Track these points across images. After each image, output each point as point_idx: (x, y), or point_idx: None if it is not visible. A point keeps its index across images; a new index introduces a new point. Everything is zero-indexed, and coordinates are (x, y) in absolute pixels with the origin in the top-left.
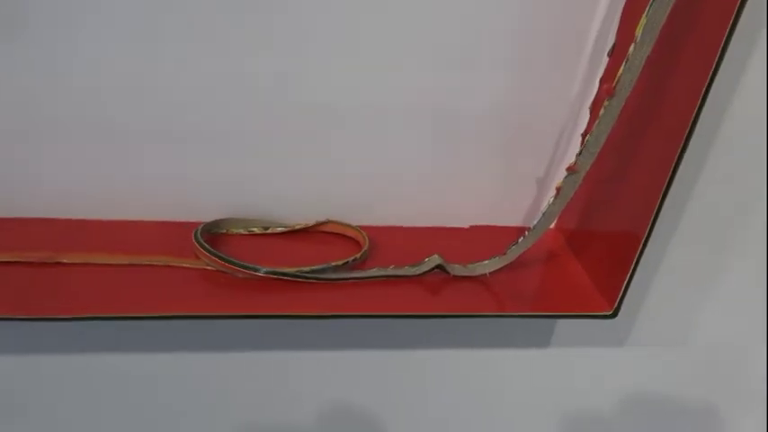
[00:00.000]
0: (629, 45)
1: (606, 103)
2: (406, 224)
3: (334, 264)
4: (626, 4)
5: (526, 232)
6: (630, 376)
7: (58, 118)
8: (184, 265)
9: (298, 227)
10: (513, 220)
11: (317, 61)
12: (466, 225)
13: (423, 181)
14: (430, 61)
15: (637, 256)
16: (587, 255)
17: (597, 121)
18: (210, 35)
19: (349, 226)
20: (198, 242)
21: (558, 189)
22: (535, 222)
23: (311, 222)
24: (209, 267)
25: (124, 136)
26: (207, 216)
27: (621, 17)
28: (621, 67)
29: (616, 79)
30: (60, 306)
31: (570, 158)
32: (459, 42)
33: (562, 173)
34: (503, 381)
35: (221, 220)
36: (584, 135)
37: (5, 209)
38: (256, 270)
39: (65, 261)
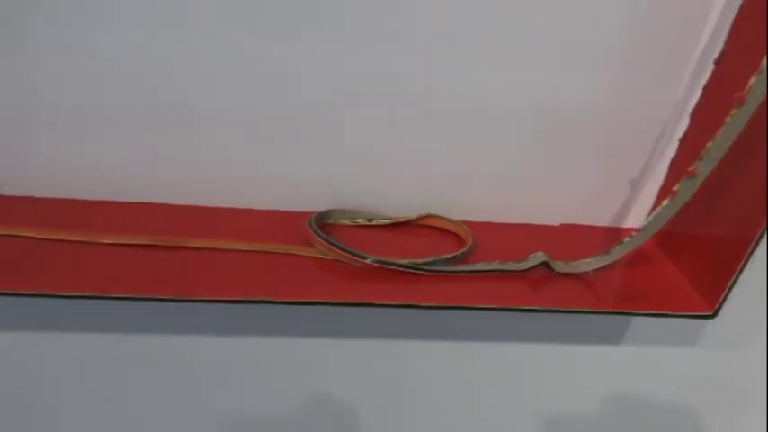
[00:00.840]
0: (742, 54)
1: (734, 111)
2: (496, 220)
3: (444, 257)
4: (738, 13)
5: (633, 233)
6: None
7: (179, 106)
8: (301, 253)
9: (401, 219)
10: (601, 219)
11: (421, 59)
12: (556, 223)
13: (517, 178)
14: (532, 59)
15: (745, 258)
16: (683, 256)
17: (722, 129)
18: (320, 29)
19: (450, 220)
20: (315, 232)
21: (675, 193)
22: (645, 223)
23: (413, 216)
24: (324, 256)
25: (238, 128)
26: (311, 206)
27: (732, 26)
28: (754, 78)
29: (747, 88)
30: (188, 288)
31: (666, 162)
32: (564, 41)
33: (657, 175)
34: (593, 376)
35: (330, 210)
36: (682, 140)
37: (131, 193)
38: (373, 260)
39: (190, 245)
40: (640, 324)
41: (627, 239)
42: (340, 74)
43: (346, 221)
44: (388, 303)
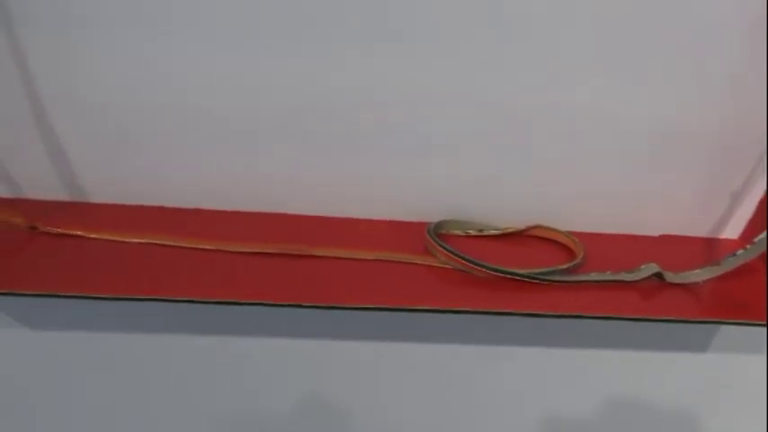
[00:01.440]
0: None
1: None
2: (598, 230)
3: (560, 267)
4: None
5: (747, 245)
6: None
7: (304, 121)
8: (420, 262)
9: (510, 230)
10: (699, 230)
11: (535, 75)
12: (655, 233)
13: (623, 190)
14: (646, 73)
15: None
16: None
17: None
18: (434, 44)
19: (559, 231)
20: (436, 241)
21: None
22: (760, 237)
23: (522, 226)
24: (444, 265)
25: (360, 142)
26: (423, 216)
27: None
28: None
29: None
30: (317, 294)
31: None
32: (678, 58)
33: (757, 189)
34: (693, 382)
35: (443, 221)
36: None
37: (264, 203)
38: (495, 270)
39: (316, 254)
40: (742, 332)
41: (740, 252)
42: (455, 89)
43: (458, 231)
44: (511, 311)
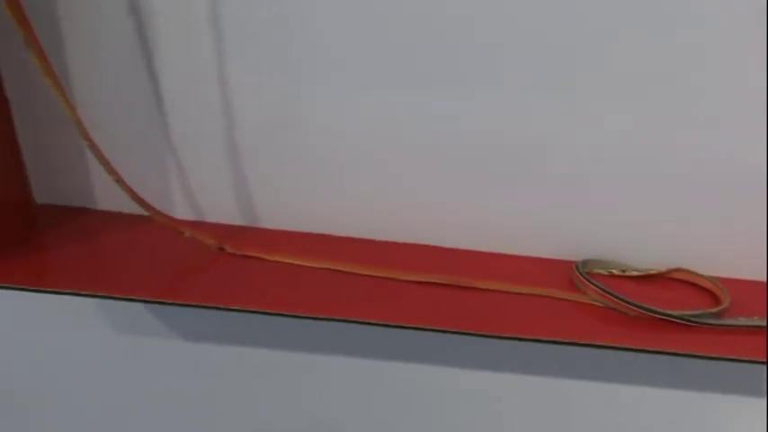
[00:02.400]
0: None
1: None
2: (733, 276)
3: (711, 310)
4: None
5: None
6: None
7: (458, 161)
8: (568, 297)
9: (652, 272)
10: None
11: (672, 121)
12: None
13: (751, 234)
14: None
15: None
16: None
17: None
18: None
19: (701, 275)
20: (587, 279)
21: None
22: None
23: (663, 269)
24: (594, 302)
25: (508, 178)
26: (563, 255)
27: None
28: None
29: None
30: (479, 324)
31: None
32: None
33: None
34: None
35: (588, 260)
36: None
37: (422, 236)
38: (646, 309)
39: (477, 286)
40: None
41: None
42: (599, 132)
43: (602, 271)
44: (665, 351)
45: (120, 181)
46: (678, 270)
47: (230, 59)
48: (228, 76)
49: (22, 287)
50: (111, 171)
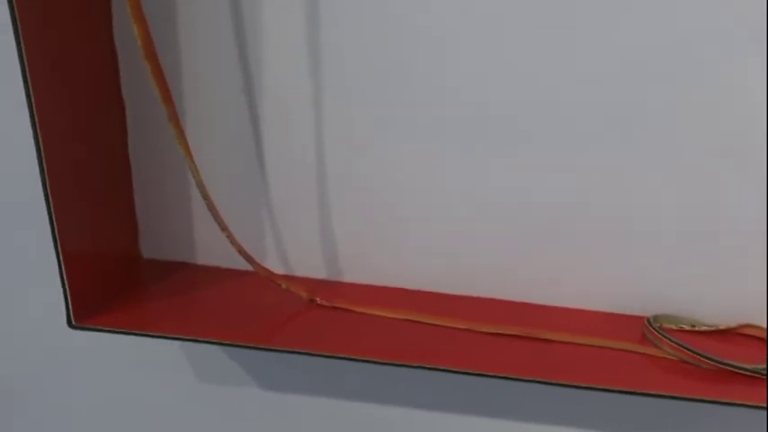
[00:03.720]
0: None
1: None
2: None
3: None
4: None
5: None
6: None
7: (524, 220)
8: (644, 351)
9: (721, 327)
10: None
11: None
12: None
13: None
14: None
15: None
16: None
17: None
18: (645, 150)
19: None
20: (660, 333)
21: None
22: None
23: (733, 324)
24: (667, 356)
25: (574, 233)
26: (635, 310)
27: None
28: None
29: None
30: (554, 373)
31: None
32: None
33: None
34: None
35: (658, 315)
36: None
37: (487, 290)
38: (721, 363)
39: (549, 338)
40: None
41: None
42: (667, 191)
43: (671, 326)
44: (743, 403)
45: (230, 237)
46: (748, 326)
47: (324, 120)
48: (320, 137)
49: (124, 330)
50: (225, 228)
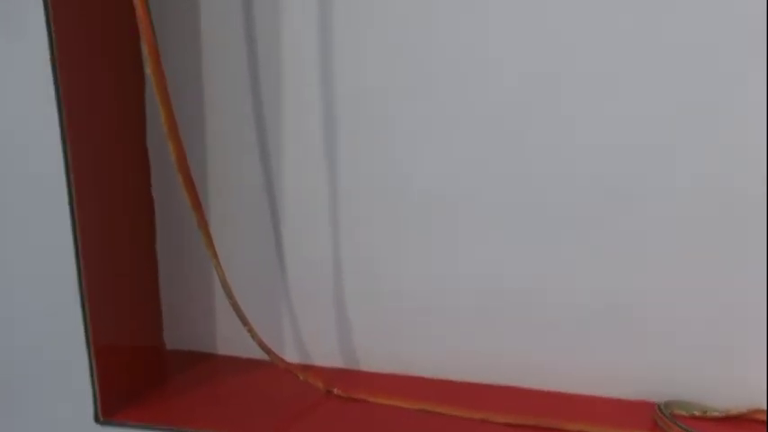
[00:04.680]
0: None
1: None
2: None
3: None
4: None
5: None
6: None
7: (537, 308)
8: None
9: (732, 412)
10: None
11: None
12: None
13: None
14: None
15: None
16: None
17: None
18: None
19: None
20: (672, 421)
21: None
22: None
23: (744, 410)
24: None
25: (585, 320)
26: (646, 395)
27: None
28: None
29: None
30: None
31: None
32: None
33: None
34: None
35: (670, 401)
36: None
37: (502, 378)
38: None
39: (564, 428)
40: None
41: None
42: (677, 283)
43: (682, 412)
44: None
45: (252, 332)
46: (758, 411)
47: (339, 217)
48: (336, 233)
49: (150, 426)
50: (246, 323)
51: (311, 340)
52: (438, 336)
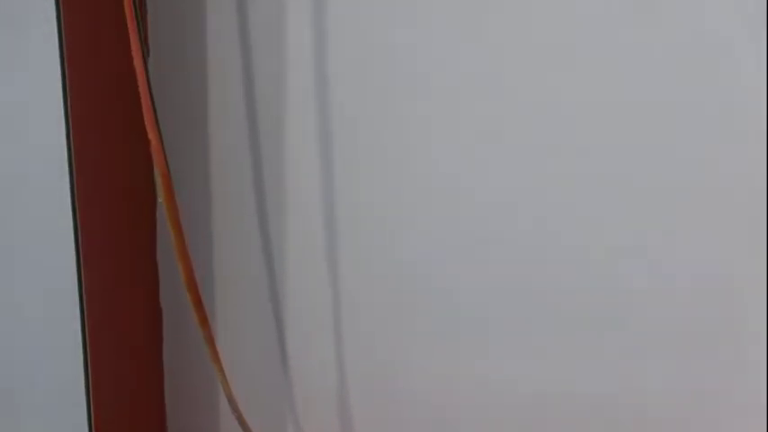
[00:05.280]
0: None
1: None
2: None
3: None
4: None
5: None
6: None
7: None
8: None
9: None
10: None
11: None
12: None
13: None
14: None
15: None
16: None
17: None
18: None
19: None
20: None
21: None
22: None
23: None
24: None
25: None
26: None
27: None
28: None
29: None
30: None
31: None
32: None
33: None
34: None
35: None
36: None
37: None
38: None
39: None
40: None
41: None
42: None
43: None
44: None
45: None
46: None
47: (343, 336)
48: (340, 347)
49: None
50: (247, 429)
51: None
52: None
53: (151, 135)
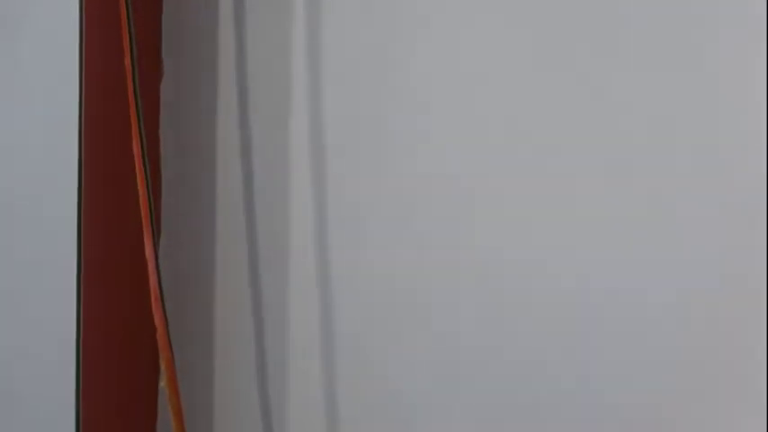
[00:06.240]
0: None
1: None
2: None
3: None
4: None
5: None
6: None
7: None
8: None
9: None
10: None
11: None
12: None
13: None
14: None
15: None
16: None
17: None
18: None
19: None
20: None
21: None
22: None
23: None
24: None
25: None
26: None
27: None
28: None
29: None
30: None
31: None
32: None
33: None
34: None
35: None
36: None
37: None
38: None
39: None
40: None
41: None
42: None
43: None
44: None
45: None
46: None
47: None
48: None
49: None
50: None
51: None
52: None
53: (158, 321)
